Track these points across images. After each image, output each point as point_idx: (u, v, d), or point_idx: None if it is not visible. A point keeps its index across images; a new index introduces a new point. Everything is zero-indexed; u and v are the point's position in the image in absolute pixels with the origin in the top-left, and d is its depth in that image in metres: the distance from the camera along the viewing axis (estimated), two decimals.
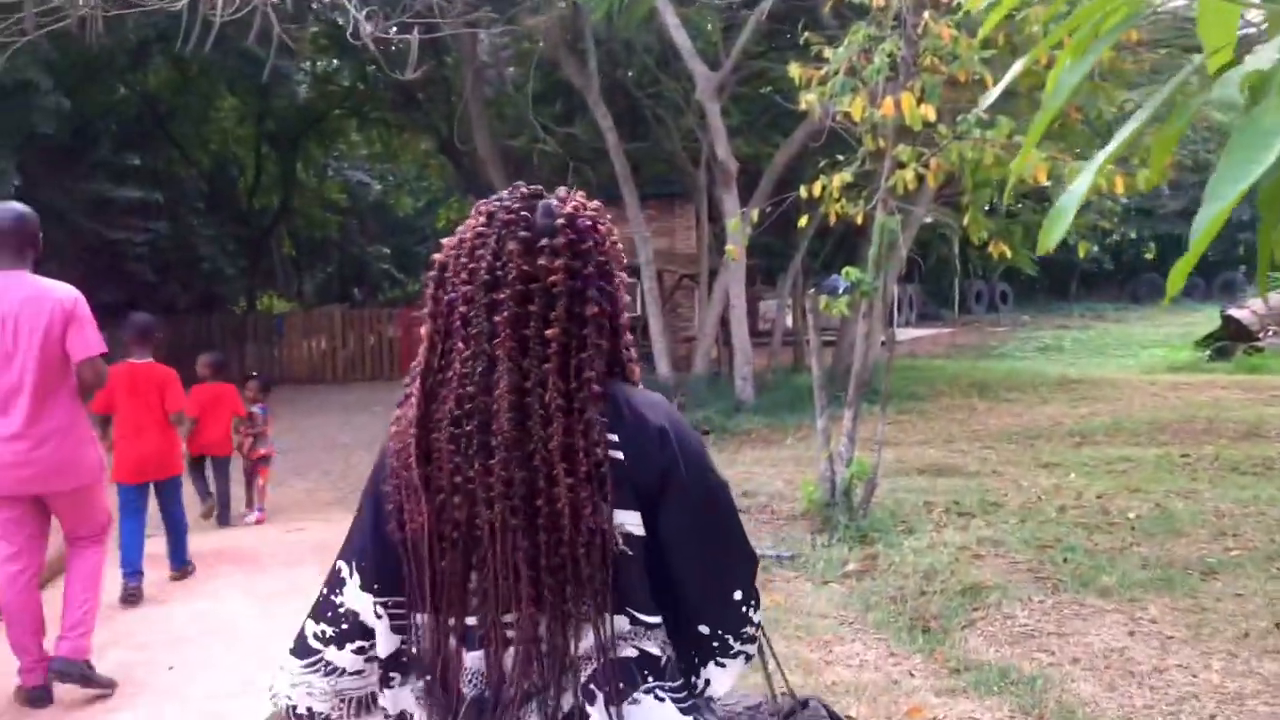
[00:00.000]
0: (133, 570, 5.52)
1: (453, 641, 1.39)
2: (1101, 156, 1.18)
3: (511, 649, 1.37)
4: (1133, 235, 21.49)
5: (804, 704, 1.79)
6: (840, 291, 6.44)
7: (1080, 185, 1.16)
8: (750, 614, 1.47)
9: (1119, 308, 32.01)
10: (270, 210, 25.81)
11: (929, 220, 16.77)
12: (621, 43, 15.45)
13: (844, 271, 6.07)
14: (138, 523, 5.66)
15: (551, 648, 1.36)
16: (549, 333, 1.37)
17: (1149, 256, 10.71)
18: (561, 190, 1.53)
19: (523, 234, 1.41)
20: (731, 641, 1.46)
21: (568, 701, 1.37)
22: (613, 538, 1.35)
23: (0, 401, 3.87)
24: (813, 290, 6.83)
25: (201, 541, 6.67)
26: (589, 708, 1.36)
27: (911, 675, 4.14)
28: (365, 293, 31.53)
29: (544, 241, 1.41)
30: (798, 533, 6.29)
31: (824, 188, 6.21)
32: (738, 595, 1.46)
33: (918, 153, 5.74)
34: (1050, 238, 1.20)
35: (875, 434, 6.47)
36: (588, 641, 1.37)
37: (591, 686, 1.36)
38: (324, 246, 30.83)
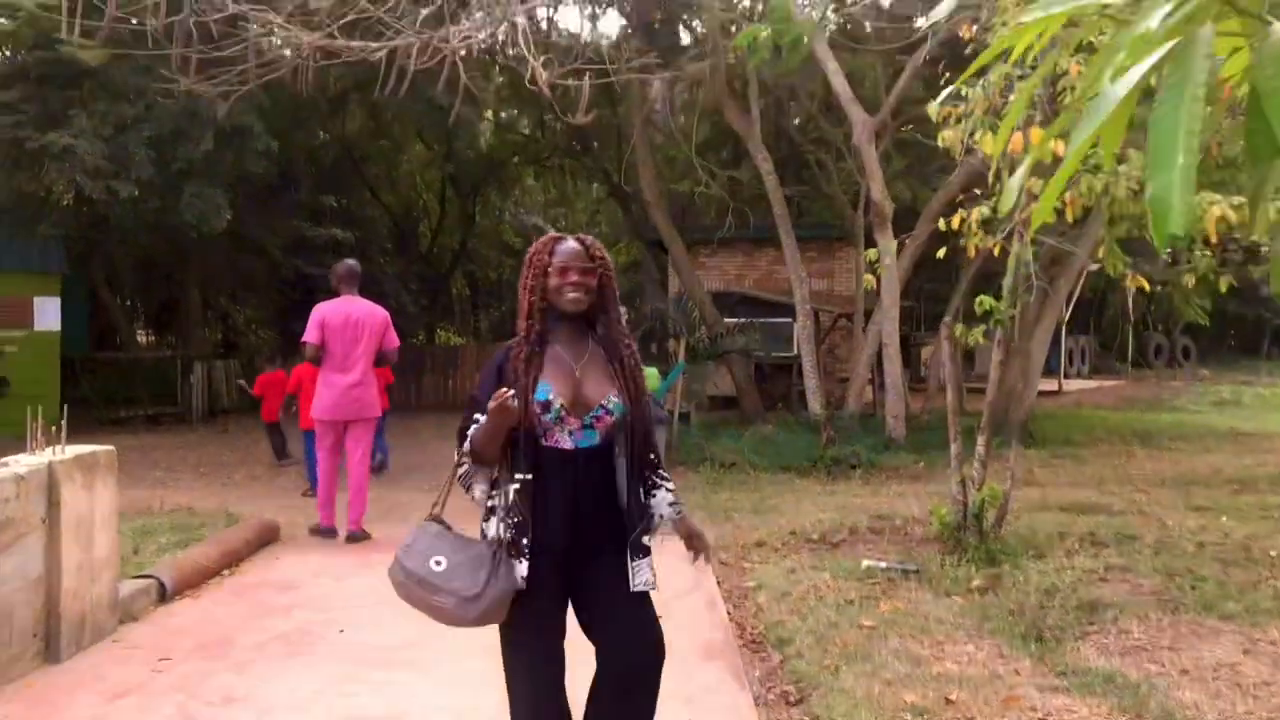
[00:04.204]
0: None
1: None
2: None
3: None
4: None
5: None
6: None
7: (1027, 162, 1.50)
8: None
9: None
10: (450, 251, 27.32)
11: (1095, 267, 16.53)
12: (785, 90, 15.97)
13: (977, 300, 6.31)
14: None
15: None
16: None
17: None
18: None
19: None
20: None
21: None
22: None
23: (351, 364, 6.87)
24: (948, 319, 7.06)
25: (377, 530, 7.39)
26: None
27: (1017, 674, 4.35)
28: None
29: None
30: (927, 552, 6.50)
31: (962, 221, 6.49)
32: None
33: None
34: (1005, 205, 1.54)
35: (1023, 470, 6.62)
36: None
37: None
38: (498, 287, 32.28)
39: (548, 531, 2.80)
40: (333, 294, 7.18)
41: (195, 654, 4.53)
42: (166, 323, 24.64)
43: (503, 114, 24.07)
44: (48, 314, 14.22)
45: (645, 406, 2.99)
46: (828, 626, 4.94)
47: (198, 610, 5.26)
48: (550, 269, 2.89)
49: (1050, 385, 21.95)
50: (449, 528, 2.93)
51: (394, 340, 7.16)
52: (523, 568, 2.77)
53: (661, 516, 2.99)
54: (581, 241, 2.96)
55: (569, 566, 2.84)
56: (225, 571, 6.00)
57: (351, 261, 7.34)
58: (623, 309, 3.06)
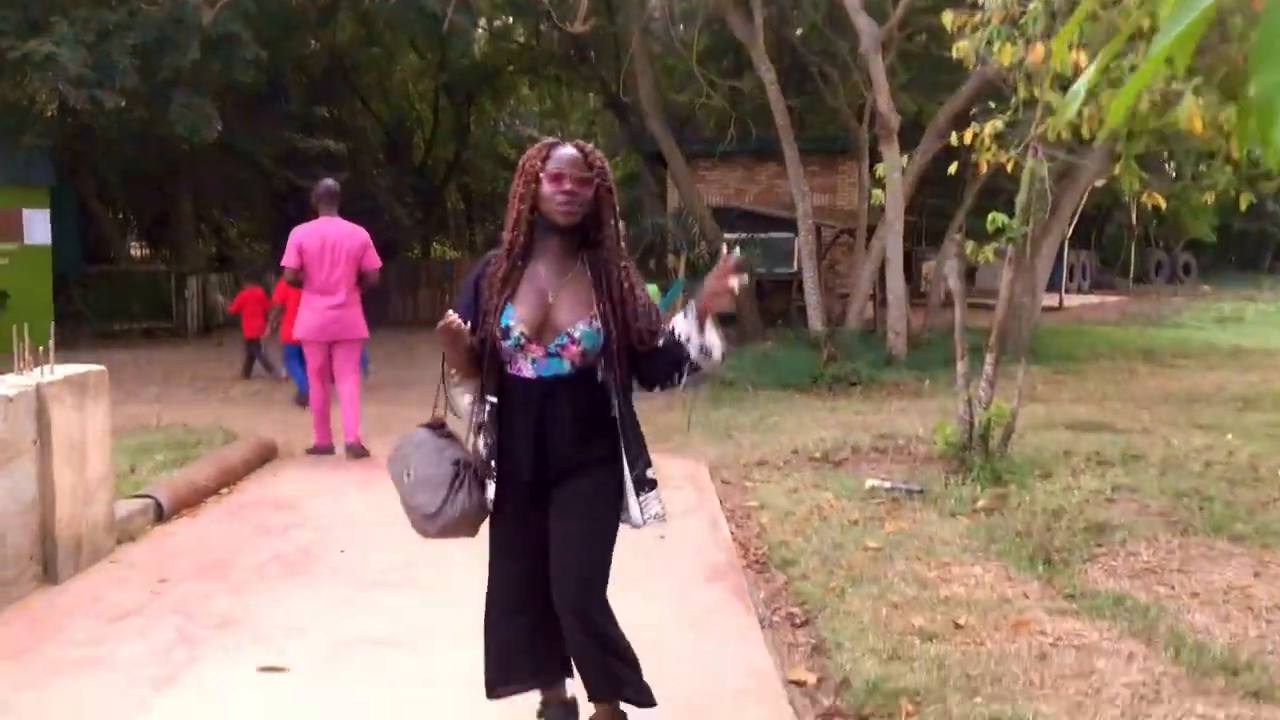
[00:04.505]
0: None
1: None
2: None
3: None
4: None
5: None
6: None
7: (1090, 71, 1.35)
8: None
9: None
10: (444, 163, 26.89)
11: (1101, 183, 16.23)
12: None
13: (989, 218, 6.14)
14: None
15: None
16: None
17: None
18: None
19: None
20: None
21: None
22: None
23: (331, 286, 6.84)
24: (957, 236, 6.90)
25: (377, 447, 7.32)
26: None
27: (1025, 597, 4.30)
28: None
29: None
30: (931, 472, 6.44)
31: (975, 135, 6.27)
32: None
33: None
34: (1060, 120, 1.40)
35: (1026, 387, 6.52)
36: None
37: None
38: (493, 200, 31.90)
39: (512, 460, 2.72)
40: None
41: (193, 575, 4.47)
42: (160, 236, 24.36)
43: (497, 22, 23.46)
44: (37, 227, 13.98)
45: (643, 329, 2.72)
46: (832, 547, 4.88)
47: (195, 530, 5.20)
48: (543, 176, 2.66)
49: (1051, 301, 21.84)
50: (445, 435, 2.82)
51: (374, 261, 7.09)
52: (490, 490, 2.74)
53: (695, 332, 2.65)
54: (580, 148, 2.73)
55: (542, 492, 2.75)
56: (223, 490, 5.94)
57: (330, 181, 7.29)
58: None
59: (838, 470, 6.64)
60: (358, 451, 6.96)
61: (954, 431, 6.60)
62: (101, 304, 16.03)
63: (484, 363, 2.71)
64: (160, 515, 5.20)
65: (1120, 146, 6.04)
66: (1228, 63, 5.96)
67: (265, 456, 6.79)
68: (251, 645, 3.68)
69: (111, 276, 17.08)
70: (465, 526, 2.77)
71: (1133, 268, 29.69)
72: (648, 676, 3.43)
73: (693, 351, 2.65)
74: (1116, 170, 6.02)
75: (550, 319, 2.66)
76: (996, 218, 6.07)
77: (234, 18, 12.43)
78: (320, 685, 3.37)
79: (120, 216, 23.25)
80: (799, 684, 3.53)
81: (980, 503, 5.73)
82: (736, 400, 9.91)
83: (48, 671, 3.43)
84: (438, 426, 2.84)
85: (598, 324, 2.66)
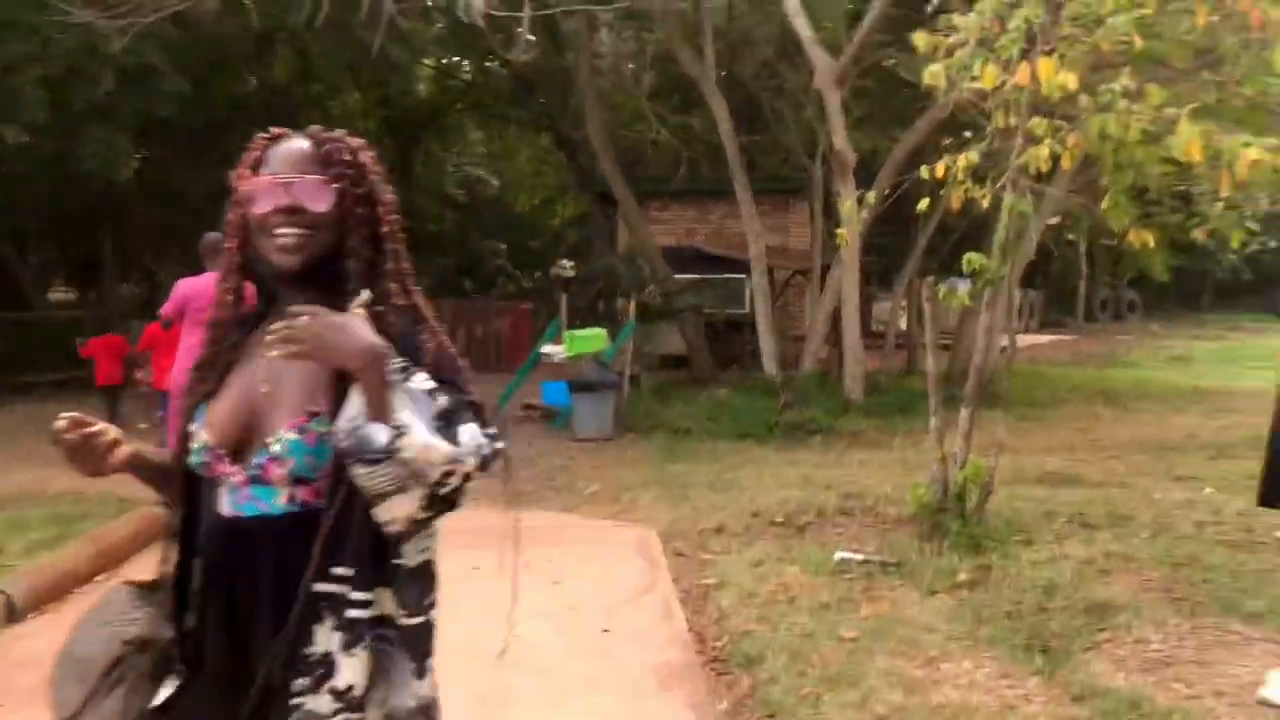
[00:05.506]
0: None
1: None
2: None
3: None
4: (1273, 244, 20.05)
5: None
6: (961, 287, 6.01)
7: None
8: None
9: (1255, 319, 30.18)
10: None
11: (1054, 221, 15.92)
12: (740, 33, 15.14)
13: (965, 259, 5.60)
14: None
15: None
16: None
17: None
18: None
19: None
20: None
21: None
22: None
23: None
24: (930, 279, 6.38)
25: None
26: None
27: (1028, 700, 3.70)
28: (477, 286, 31.76)
29: None
30: (904, 538, 5.84)
31: (947, 169, 5.75)
32: None
33: (1055, 126, 5.24)
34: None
35: (993, 438, 5.99)
36: None
37: None
38: (440, 240, 31.24)
39: (209, 644, 1.65)
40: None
41: (34, 697, 3.71)
42: (88, 281, 23.35)
43: (444, 60, 22.95)
44: None
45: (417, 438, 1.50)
46: (803, 638, 4.25)
47: (55, 632, 4.41)
48: (254, 191, 1.65)
49: (1001, 341, 21.56)
50: (152, 600, 1.75)
51: None
52: (165, 689, 1.69)
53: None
54: (314, 137, 1.71)
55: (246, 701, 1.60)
56: (100, 577, 5.16)
57: (215, 235, 7.12)
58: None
59: (803, 537, 6.02)
60: None
61: (927, 492, 6.02)
62: (10, 354, 15.06)
63: (179, 491, 1.71)
64: (12, 614, 4.43)
65: (1107, 179, 5.55)
66: (1222, 88, 5.52)
67: (157, 531, 6.00)
68: None
69: (23, 324, 16.11)
70: None
71: (1082, 304, 29.74)
72: None
73: (342, 439, 1.50)
74: (1104, 205, 5.51)
75: (260, 422, 1.63)
76: (974, 259, 5.53)
77: (153, 48, 11.72)
78: None
79: (34, 259, 22.21)
80: None
81: (961, 575, 5.14)
82: (692, 452, 9.31)
83: None
84: (151, 586, 1.76)
85: (318, 428, 1.58)
